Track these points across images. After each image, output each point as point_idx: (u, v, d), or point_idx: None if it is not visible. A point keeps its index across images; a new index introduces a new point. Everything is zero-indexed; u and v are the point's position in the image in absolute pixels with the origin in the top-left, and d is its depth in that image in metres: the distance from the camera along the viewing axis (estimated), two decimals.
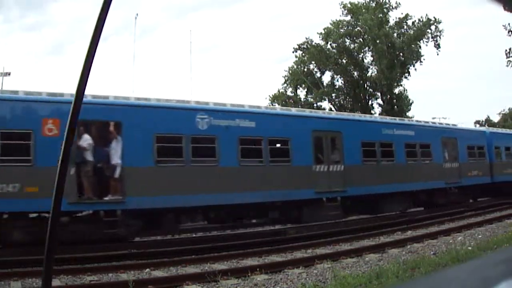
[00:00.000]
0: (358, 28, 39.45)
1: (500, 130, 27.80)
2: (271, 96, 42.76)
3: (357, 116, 19.49)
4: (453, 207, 19.13)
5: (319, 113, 18.53)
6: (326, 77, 41.96)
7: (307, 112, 19.87)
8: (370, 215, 17.52)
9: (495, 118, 64.80)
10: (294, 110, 19.28)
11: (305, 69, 41.72)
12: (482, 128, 27.72)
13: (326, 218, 15.11)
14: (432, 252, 10.20)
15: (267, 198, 13.93)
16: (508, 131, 30.38)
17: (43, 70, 75.20)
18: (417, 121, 22.54)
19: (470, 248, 9.94)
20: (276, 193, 14.01)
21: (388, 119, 22.48)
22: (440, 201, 19.71)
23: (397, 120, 21.82)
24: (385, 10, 38.92)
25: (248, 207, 13.94)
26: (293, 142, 14.91)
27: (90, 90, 12.44)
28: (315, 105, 40.36)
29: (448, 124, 25.11)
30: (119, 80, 67.70)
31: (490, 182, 22.77)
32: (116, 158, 11.69)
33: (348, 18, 39.70)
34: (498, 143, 24.48)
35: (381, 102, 40.67)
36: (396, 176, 17.59)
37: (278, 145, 15.21)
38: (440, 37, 38.57)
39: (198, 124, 13.04)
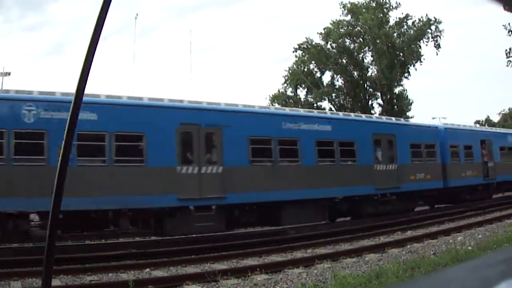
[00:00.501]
0: (358, 28, 39.43)
1: (459, 126, 24.01)
2: (271, 96, 42.80)
3: (243, 107, 14.97)
4: (394, 217, 16.25)
5: (184, 102, 13.73)
6: (326, 77, 42.01)
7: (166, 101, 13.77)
8: (271, 226, 14.84)
9: (495, 118, 64.84)
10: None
11: (305, 69, 41.71)
12: (436, 124, 23.65)
13: (194, 230, 12.80)
14: (432, 252, 10.19)
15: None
16: (468, 127, 26.00)
17: (43, 70, 75.26)
18: (344, 114, 19.32)
19: (470, 248, 9.94)
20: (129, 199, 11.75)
21: (289, 110, 17.81)
22: (369, 210, 16.69)
23: (302, 112, 17.93)
24: (385, 10, 38.92)
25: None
26: (149, 138, 12.27)
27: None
28: (315, 105, 40.36)
29: (381, 118, 21.93)
30: (119, 80, 67.75)
31: (442, 187, 19.56)
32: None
33: (348, 18, 39.72)
34: (455, 141, 21.15)
35: (381, 102, 40.69)
36: (302, 180, 14.59)
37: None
38: (440, 37, 38.61)
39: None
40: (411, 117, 35.98)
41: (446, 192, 20.15)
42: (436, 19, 38.54)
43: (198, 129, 13.02)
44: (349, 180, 15.83)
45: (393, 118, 21.36)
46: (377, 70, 39.39)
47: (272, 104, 39.30)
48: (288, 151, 14.79)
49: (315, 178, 14.90)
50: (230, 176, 13.16)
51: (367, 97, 41.35)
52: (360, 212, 16.49)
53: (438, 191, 19.77)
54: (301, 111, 18.25)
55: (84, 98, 1.50)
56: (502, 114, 66.11)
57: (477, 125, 42.36)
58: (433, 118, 36.95)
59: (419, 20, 38.90)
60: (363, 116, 20.05)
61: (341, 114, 18.62)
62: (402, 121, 21.53)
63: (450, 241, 11.63)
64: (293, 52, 41.31)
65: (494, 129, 27.39)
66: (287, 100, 41.50)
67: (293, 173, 14.70)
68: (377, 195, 17.12)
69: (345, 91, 41.64)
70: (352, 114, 19.36)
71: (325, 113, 17.47)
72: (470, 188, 21.34)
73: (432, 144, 19.68)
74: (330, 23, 39.73)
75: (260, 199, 13.65)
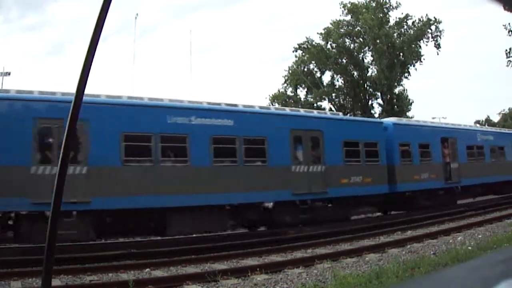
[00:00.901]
0: (358, 28, 39.43)
1: (413, 122, 21.26)
2: (271, 96, 42.80)
3: (116, 98, 12.95)
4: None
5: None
6: (326, 77, 42.00)
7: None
8: (156, 236, 13.26)
9: (495, 118, 64.83)
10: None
11: (305, 69, 41.70)
12: (386, 120, 20.44)
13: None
14: (432, 252, 10.20)
15: None
16: (429, 123, 23.22)
17: (43, 70, 75.31)
18: (251, 106, 15.47)
19: (470, 248, 9.93)
20: None
21: (177, 102, 13.88)
22: (286, 219, 14.38)
23: (194, 104, 14.00)
24: (385, 10, 38.93)
25: None
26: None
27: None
28: (315, 105, 40.37)
29: (308, 111, 18.61)
30: (119, 80, 67.76)
31: (388, 192, 17.03)
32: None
33: (348, 18, 39.73)
34: (406, 139, 18.47)
35: (381, 102, 40.70)
36: (192, 183, 12.55)
37: None
38: (440, 37, 38.62)
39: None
40: (411, 117, 35.91)
41: (395, 197, 17.52)
42: (436, 19, 38.59)
43: (54, 124, 10.94)
44: (257, 184, 13.68)
45: (325, 112, 18.01)
46: (377, 70, 39.39)
47: (272, 104, 39.30)
48: (173, 149, 12.98)
49: (210, 182, 12.87)
50: (97, 178, 11.36)
51: (367, 97, 41.36)
52: (274, 221, 14.21)
53: (384, 197, 17.10)
54: (193, 103, 14.14)
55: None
56: (502, 114, 66.13)
57: (477, 125, 41.69)
58: (433, 118, 36.96)
59: (419, 20, 38.95)
60: (275, 109, 17.23)
61: (243, 107, 15.10)
62: (332, 115, 18.22)
63: (450, 241, 11.63)
64: (293, 52, 41.35)
65: (460, 125, 23.69)
66: (287, 100, 41.49)
67: (180, 175, 12.70)
68: (295, 202, 14.56)
69: (345, 91, 41.64)
70: (265, 106, 16.01)
71: (225, 105, 14.46)
72: (428, 193, 18.70)
73: (374, 143, 17.05)
74: (330, 23, 39.79)
75: (136, 205, 11.69)
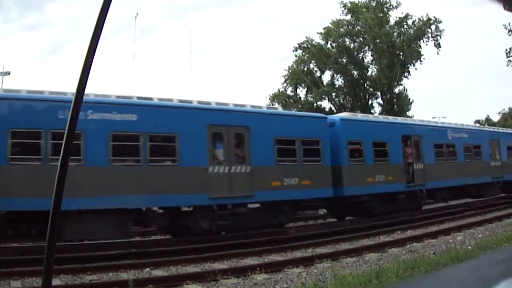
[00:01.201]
0: (358, 27, 39.44)
1: (367, 117, 19.14)
2: (271, 95, 42.79)
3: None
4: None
5: None
6: (326, 77, 41.96)
7: None
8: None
9: (495, 118, 64.77)
10: None
11: (305, 68, 41.68)
12: (333, 117, 17.77)
13: None
14: (432, 252, 10.20)
15: None
16: (386, 118, 21.21)
17: (42, 70, 75.34)
18: (160, 100, 13.32)
19: (470, 247, 9.94)
20: None
21: (71, 95, 10.73)
22: (203, 225, 12.88)
23: (91, 97, 11.62)
24: (385, 9, 38.92)
25: None
26: None
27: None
28: (315, 104, 40.36)
29: (237, 105, 14.94)
30: (119, 80, 67.75)
31: (333, 195, 15.02)
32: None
33: (348, 17, 39.72)
34: (357, 137, 16.39)
35: (381, 102, 40.69)
36: (86, 184, 10.87)
37: None
38: (440, 37, 38.62)
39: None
40: (411, 117, 35.89)
41: (343, 202, 15.77)
42: (436, 19, 38.58)
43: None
44: (165, 186, 12.33)
45: (250, 106, 15.02)
46: (377, 70, 39.39)
47: (272, 104, 39.31)
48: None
49: (108, 183, 11.55)
50: None
51: (367, 97, 41.35)
52: (189, 227, 12.75)
53: (328, 202, 15.53)
54: (88, 96, 11.47)
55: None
56: (502, 113, 66.05)
57: (477, 125, 41.16)
58: (433, 118, 36.91)
59: (419, 19, 38.93)
60: (191, 102, 13.98)
61: (159, 100, 13.35)
62: (262, 109, 15.56)
63: (450, 240, 11.63)
64: (293, 51, 41.32)
65: (427, 122, 21.46)
66: (287, 99, 41.49)
67: (72, 175, 11.65)
68: (213, 207, 13.01)
69: (345, 90, 41.63)
70: (182, 100, 13.83)
71: (130, 98, 12.99)
72: (385, 198, 16.81)
73: (315, 140, 15.08)
74: (330, 23, 39.76)
75: (18, 207, 10.39)
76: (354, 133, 16.40)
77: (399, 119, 21.72)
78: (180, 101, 13.67)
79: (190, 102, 13.88)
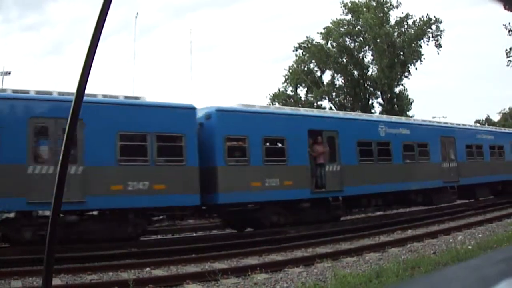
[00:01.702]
0: (359, 27, 39.46)
1: (253, 109, 14.77)
2: (271, 95, 42.80)
3: None
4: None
5: None
6: (326, 76, 42.02)
7: None
8: None
9: (495, 118, 64.71)
10: None
11: (306, 68, 41.71)
12: (209, 107, 13.95)
13: None
14: (432, 251, 10.20)
15: None
16: (283, 109, 17.98)
17: (42, 69, 75.38)
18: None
19: (470, 247, 9.94)
20: None
21: None
22: (19, 235, 10.76)
23: None
24: (385, 9, 38.94)
25: None
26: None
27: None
28: (315, 104, 40.37)
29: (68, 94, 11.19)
30: (119, 80, 67.76)
31: (200, 204, 12.71)
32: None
33: (349, 17, 39.76)
34: (239, 132, 13.63)
35: (381, 101, 40.71)
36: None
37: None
38: (440, 37, 38.63)
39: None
40: (412, 116, 35.89)
41: (219, 211, 13.95)
42: (436, 19, 38.62)
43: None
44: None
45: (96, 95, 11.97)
46: (377, 69, 39.40)
47: (272, 104, 39.30)
48: None
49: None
50: None
51: (367, 96, 41.37)
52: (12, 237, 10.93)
53: (193, 210, 13.35)
54: None
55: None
56: (502, 113, 65.99)
57: (477, 124, 40.43)
58: (433, 117, 36.88)
59: (420, 19, 38.96)
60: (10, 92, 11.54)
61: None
62: (102, 98, 12.13)
63: (450, 240, 11.63)
64: (294, 51, 41.36)
65: (346, 115, 18.74)
66: (287, 99, 41.52)
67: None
68: (31, 213, 10.77)
69: (345, 90, 41.65)
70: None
71: None
72: (285, 206, 14.30)
73: (176, 136, 12.71)
74: (331, 22, 39.80)
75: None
76: (235, 127, 13.56)
77: (302, 110, 18.75)
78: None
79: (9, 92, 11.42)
